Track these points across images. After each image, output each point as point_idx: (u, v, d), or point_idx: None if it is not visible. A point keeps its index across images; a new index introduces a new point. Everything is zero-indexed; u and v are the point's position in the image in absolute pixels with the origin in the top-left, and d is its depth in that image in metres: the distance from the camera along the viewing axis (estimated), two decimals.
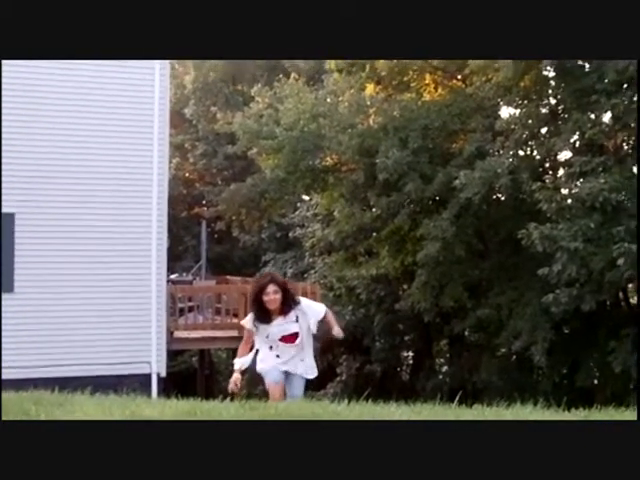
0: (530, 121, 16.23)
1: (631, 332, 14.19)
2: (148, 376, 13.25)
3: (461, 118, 17.29)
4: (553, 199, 14.05)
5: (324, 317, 6.24)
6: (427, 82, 20.07)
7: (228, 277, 21.09)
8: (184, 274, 22.70)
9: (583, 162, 14.12)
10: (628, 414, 4.52)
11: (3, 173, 12.08)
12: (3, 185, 11.71)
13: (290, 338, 6.07)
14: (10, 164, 12.34)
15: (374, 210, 19.16)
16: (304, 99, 19.55)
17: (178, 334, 15.24)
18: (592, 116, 14.64)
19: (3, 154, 12.00)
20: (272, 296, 5.98)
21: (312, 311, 6.21)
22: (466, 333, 19.65)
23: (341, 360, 22.74)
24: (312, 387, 6.71)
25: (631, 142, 15.34)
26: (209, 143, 29.04)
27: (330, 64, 20.25)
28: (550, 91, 16.84)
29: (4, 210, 11.95)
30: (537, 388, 16.29)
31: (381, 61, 18.08)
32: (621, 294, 16.72)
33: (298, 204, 23.95)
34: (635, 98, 13.71)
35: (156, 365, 13.41)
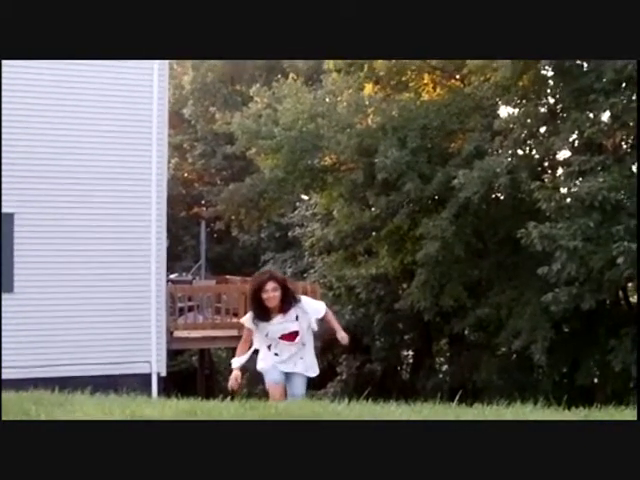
0: (529, 120, 16.22)
1: (631, 331, 14.20)
2: (148, 376, 13.25)
3: (460, 118, 17.30)
4: (552, 198, 14.05)
5: (325, 317, 6.19)
6: (425, 82, 20.08)
7: (228, 277, 21.08)
8: (184, 274, 22.68)
9: (582, 161, 14.13)
10: (628, 413, 4.52)
11: (3, 173, 12.09)
12: (3, 185, 11.72)
13: (290, 337, 5.99)
14: (10, 164, 12.34)
15: (373, 209, 19.17)
16: (303, 99, 19.54)
17: (178, 334, 15.25)
18: (591, 115, 14.65)
19: (3, 154, 12.00)
20: (271, 293, 5.89)
21: (312, 310, 6.13)
22: (466, 332, 19.67)
23: (341, 359, 22.75)
24: (312, 386, 6.70)
25: (630, 141, 15.35)
26: (208, 143, 29.04)
27: (329, 64, 20.26)
28: (549, 90, 16.84)
29: (4, 210, 11.95)
30: (537, 387, 16.29)
31: (379, 61, 18.09)
32: (621, 293, 16.73)
33: (297, 204, 23.95)
34: (634, 97, 13.72)
35: (156, 365, 13.41)
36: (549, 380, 16.64)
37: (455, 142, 18.16)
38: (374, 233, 20.28)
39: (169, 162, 21.61)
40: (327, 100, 20.52)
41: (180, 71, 30.07)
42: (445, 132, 17.58)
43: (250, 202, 21.61)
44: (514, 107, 17.02)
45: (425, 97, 19.62)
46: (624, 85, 14.13)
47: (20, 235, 12.75)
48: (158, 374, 13.44)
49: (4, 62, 9.54)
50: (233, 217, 24.43)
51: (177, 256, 26.29)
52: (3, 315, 11.98)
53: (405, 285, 20.25)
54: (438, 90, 19.90)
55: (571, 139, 15.51)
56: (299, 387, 6.07)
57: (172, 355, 19.57)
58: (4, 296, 12.29)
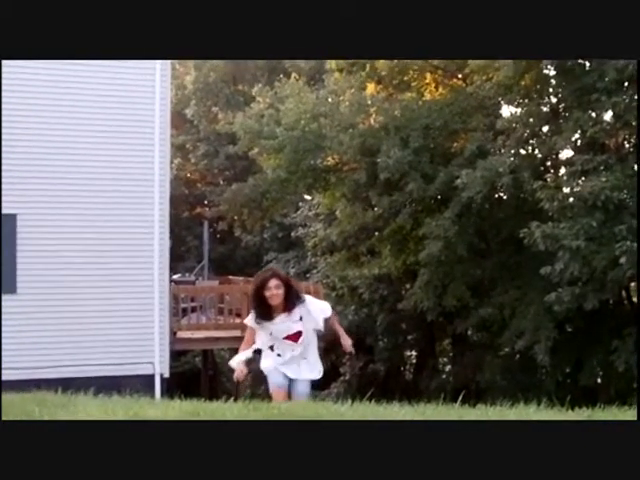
0: (531, 120, 16.21)
1: (633, 331, 14.17)
2: (151, 377, 13.24)
3: (462, 117, 17.29)
4: (555, 198, 14.03)
5: (330, 320, 6.09)
6: (428, 81, 20.08)
7: (230, 277, 21.12)
8: (187, 274, 22.72)
9: (584, 161, 14.10)
10: (630, 414, 4.50)
11: (5, 174, 12.10)
12: (5, 186, 11.73)
13: (293, 337, 5.89)
14: (12, 165, 12.35)
15: (376, 209, 19.18)
16: (305, 99, 19.55)
17: (181, 334, 15.25)
18: (593, 114, 14.62)
19: (4, 155, 12.01)
20: (274, 291, 5.75)
21: (318, 310, 6.01)
22: (469, 332, 19.66)
23: (344, 360, 22.74)
24: (316, 387, 6.68)
25: (632, 140, 15.31)
26: (210, 143, 29.08)
27: (331, 64, 20.26)
28: (551, 90, 16.82)
29: (6, 211, 11.97)
30: (540, 387, 16.26)
31: (381, 61, 18.08)
32: (624, 293, 16.70)
33: (300, 204, 23.97)
34: (636, 96, 13.69)
35: (159, 366, 13.40)
36: (552, 380, 16.61)
37: (457, 142, 18.16)
38: (377, 233, 20.29)
39: (172, 162, 21.65)
40: (329, 100, 20.52)
41: (182, 71, 30.12)
42: (447, 132, 17.57)
43: (253, 202, 21.62)
44: (516, 107, 17.02)
45: (427, 97, 19.61)
46: (626, 84, 14.11)
47: (23, 236, 12.75)
48: (161, 375, 13.42)
49: (4, 62, 9.53)
50: (236, 217, 24.46)
51: (180, 256, 26.33)
52: (5, 316, 11.99)
53: (408, 285, 20.24)
54: (440, 90, 19.89)
55: (573, 138, 15.47)
56: (303, 388, 5.98)
57: (175, 356, 19.55)
58: (6, 297, 12.30)
